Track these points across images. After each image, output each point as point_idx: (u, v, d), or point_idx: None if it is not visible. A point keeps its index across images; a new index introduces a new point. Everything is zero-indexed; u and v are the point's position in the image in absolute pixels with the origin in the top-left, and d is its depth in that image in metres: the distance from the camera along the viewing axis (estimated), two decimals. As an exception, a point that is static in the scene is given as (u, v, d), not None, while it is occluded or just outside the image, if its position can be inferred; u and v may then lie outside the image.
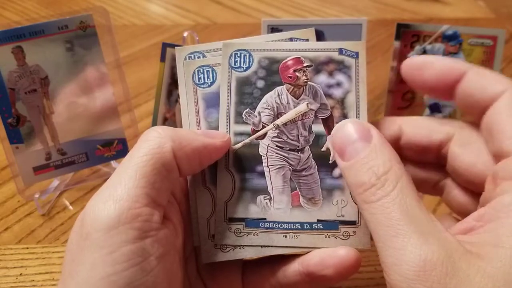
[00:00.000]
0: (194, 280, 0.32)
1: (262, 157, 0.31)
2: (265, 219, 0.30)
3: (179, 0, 0.89)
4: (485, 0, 0.91)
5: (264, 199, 0.31)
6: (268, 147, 0.31)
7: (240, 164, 0.31)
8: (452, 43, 0.47)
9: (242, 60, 0.31)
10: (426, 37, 0.47)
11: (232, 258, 0.30)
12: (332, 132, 0.29)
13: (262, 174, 0.31)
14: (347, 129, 0.28)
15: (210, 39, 0.75)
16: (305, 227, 0.30)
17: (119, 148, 0.48)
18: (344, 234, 0.31)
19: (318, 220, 0.31)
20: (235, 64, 0.31)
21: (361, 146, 0.27)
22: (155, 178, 0.26)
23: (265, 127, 0.31)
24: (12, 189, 0.48)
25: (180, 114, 0.48)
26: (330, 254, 0.29)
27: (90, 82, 0.46)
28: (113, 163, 0.51)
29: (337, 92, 0.32)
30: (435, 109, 0.48)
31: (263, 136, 0.31)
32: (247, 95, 0.31)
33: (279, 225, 0.30)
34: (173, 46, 0.46)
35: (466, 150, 0.30)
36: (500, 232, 0.24)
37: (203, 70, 0.31)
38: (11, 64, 0.42)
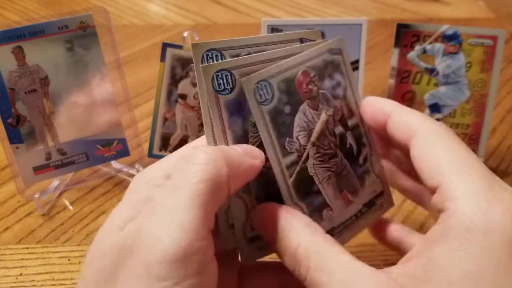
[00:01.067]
0: None
1: (313, 177, 0.31)
2: (333, 227, 0.32)
3: (179, 0, 0.89)
4: (485, 0, 0.91)
5: (327, 211, 0.32)
6: (314, 166, 0.31)
7: (302, 193, 0.31)
8: (452, 43, 0.47)
9: (265, 92, 0.30)
10: (426, 37, 0.47)
11: (269, 253, 0.31)
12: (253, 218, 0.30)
13: (318, 191, 0.31)
14: (259, 215, 0.30)
15: (210, 39, 0.74)
16: (358, 215, 0.33)
17: (119, 148, 0.48)
18: (379, 205, 0.34)
19: (363, 205, 0.34)
20: (261, 98, 0.30)
21: (274, 233, 0.28)
22: (211, 206, 0.26)
23: (305, 149, 0.31)
24: (12, 189, 0.48)
25: (179, 115, 0.48)
26: None
27: (90, 82, 0.46)
28: (113, 163, 0.51)
29: (339, 91, 0.33)
30: (435, 109, 0.48)
31: (307, 157, 0.31)
32: (282, 125, 0.30)
33: (344, 225, 0.33)
34: (173, 46, 0.46)
35: (424, 145, 0.29)
36: (428, 267, 0.24)
37: (221, 75, 0.30)
38: (11, 64, 0.42)
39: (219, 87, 0.30)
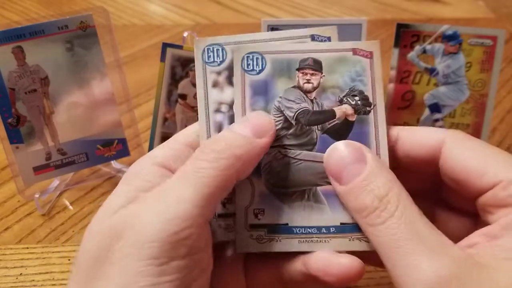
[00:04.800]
0: None
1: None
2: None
3: (179, 0, 0.89)
4: (485, 0, 0.91)
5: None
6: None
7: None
8: (452, 43, 0.47)
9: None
10: (426, 37, 0.47)
11: (267, 250, 0.31)
12: (325, 156, 0.30)
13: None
14: (340, 152, 0.29)
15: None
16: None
17: (119, 148, 0.48)
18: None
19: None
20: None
21: (358, 169, 0.28)
22: (215, 198, 0.27)
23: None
24: (12, 189, 0.48)
25: (179, 115, 0.48)
26: (332, 261, 0.29)
27: (90, 82, 0.46)
28: (113, 163, 0.51)
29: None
30: (435, 109, 0.48)
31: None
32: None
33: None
34: (173, 46, 0.46)
35: (460, 148, 0.29)
36: (509, 246, 0.25)
37: (252, 56, 0.31)
38: (11, 64, 0.42)
39: (247, 67, 0.31)
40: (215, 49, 0.32)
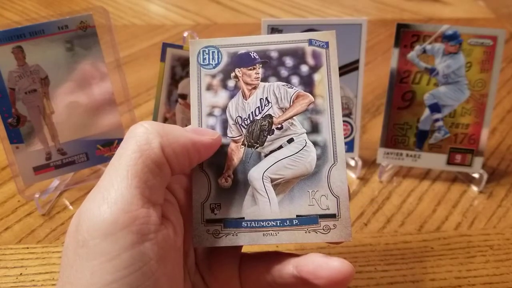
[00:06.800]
0: (193, 274, 0.32)
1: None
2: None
3: (179, 0, 0.89)
4: (485, 0, 0.91)
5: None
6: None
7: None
8: (452, 43, 0.47)
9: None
10: (426, 37, 0.47)
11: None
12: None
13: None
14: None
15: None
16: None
17: (119, 148, 0.48)
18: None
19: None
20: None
21: None
22: (147, 176, 0.26)
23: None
24: (12, 189, 0.48)
25: (179, 115, 0.48)
26: (323, 264, 0.29)
27: (90, 82, 0.46)
28: (113, 163, 0.51)
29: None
30: (435, 109, 0.48)
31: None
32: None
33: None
34: (173, 46, 0.46)
35: None
36: None
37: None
38: (11, 64, 0.42)
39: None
40: (210, 51, 0.32)
